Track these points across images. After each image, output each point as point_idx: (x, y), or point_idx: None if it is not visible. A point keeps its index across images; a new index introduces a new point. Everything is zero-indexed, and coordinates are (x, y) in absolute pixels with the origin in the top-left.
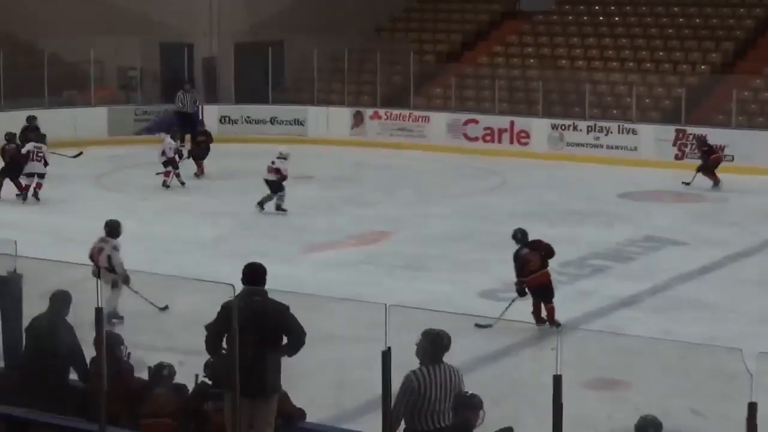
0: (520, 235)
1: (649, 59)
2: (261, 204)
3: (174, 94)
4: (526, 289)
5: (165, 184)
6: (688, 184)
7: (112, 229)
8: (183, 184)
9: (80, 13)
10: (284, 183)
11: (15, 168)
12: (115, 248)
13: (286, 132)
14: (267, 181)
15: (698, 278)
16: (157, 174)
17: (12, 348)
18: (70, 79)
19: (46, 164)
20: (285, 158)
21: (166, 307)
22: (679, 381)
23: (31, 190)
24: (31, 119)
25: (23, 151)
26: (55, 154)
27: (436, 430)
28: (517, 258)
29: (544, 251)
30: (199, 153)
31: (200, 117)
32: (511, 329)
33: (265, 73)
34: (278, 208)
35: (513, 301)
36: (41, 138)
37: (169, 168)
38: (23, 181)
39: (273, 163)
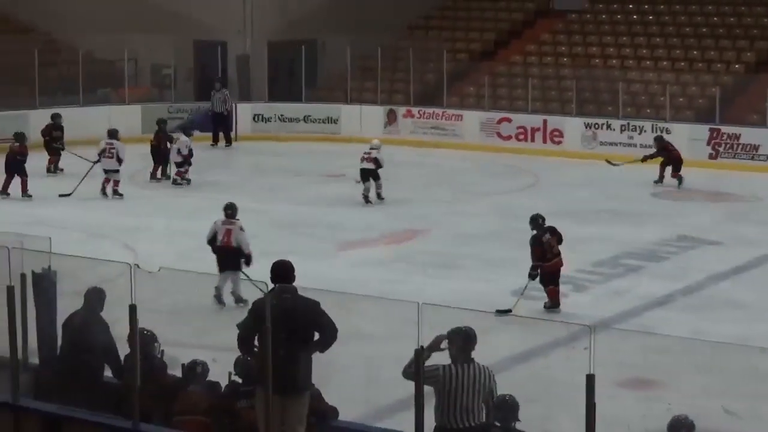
0: (541, 221)
1: (683, 58)
2: (366, 198)
3: (208, 92)
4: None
5: (175, 182)
6: (659, 182)
7: (235, 210)
8: (188, 182)
9: (115, 12)
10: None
11: (18, 166)
12: (241, 228)
13: (320, 130)
14: (365, 171)
15: (732, 278)
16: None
17: (47, 344)
18: (105, 78)
19: (119, 161)
20: (378, 148)
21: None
22: (712, 380)
23: (109, 189)
24: (55, 117)
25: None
26: (75, 155)
27: (466, 428)
28: (539, 242)
29: (559, 237)
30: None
31: (233, 117)
32: (543, 329)
33: (298, 71)
34: (379, 197)
35: (527, 285)
36: (114, 134)
37: (184, 168)
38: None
39: (369, 153)
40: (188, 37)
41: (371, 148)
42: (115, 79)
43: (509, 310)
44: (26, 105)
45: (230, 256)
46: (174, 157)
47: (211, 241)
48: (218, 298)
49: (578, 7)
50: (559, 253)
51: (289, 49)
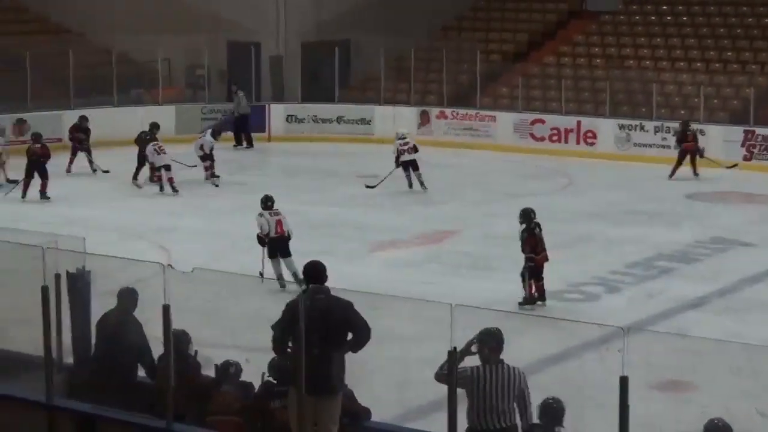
0: (533, 215)
1: (717, 59)
2: (411, 184)
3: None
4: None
5: (209, 180)
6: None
7: (274, 200)
8: (216, 184)
9: (149, 13)
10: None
11: (38, 167)
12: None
13: (353, 131)
14: (408, 162)
15: (766, 280)
16: (189, 166)
17: (81, 344)
18: (139, 78)
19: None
20: (406, 137)
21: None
22: (747, 383)
23: (167, 186)
24: (82, 119)
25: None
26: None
27: (498, 430)
28: (533, 235)
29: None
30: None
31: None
32: (576, 330)
33: (331, 72)
34: (423, 185)
35: (528, 277)
36: (154, 134)
37: (207, 162)
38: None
39: (408, 142)
40: (222, 38)
41: (404, 138)
42: (149, 80)
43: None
44: (61, 105)
45: (284, 243)
46: (197, 151)
47: (263, 233)
48: (281, 282)
49: (612, 8)
50: (545, 248)
51: (323, 50)
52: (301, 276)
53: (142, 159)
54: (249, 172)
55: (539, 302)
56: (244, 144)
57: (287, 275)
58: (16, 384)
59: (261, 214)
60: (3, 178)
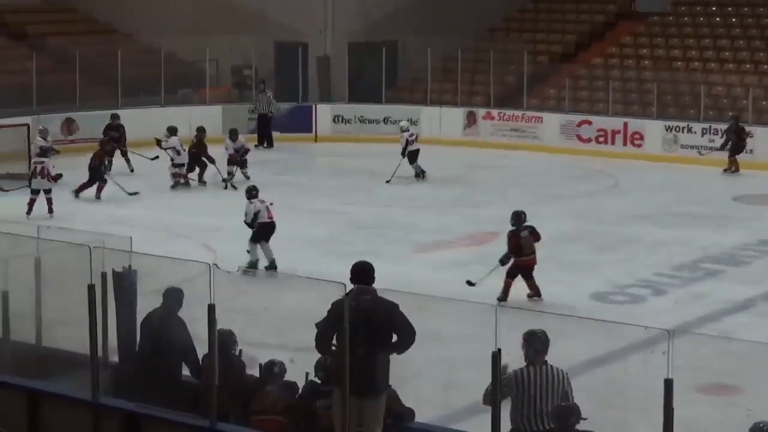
0: (524, 216)
1: (765, 61)
2: (423, 174)
3: (287, 91)
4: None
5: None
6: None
7: (258, 189)
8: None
9: (197, 13)
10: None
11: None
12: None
13: (400, 132)
14: (415, 152)
15: None
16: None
17: (127, 343)
18: (186, 78)
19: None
20: (408, 129)
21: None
22: None
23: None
24: (114, 117)
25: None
26: (135, 153)
27: (541, 431)
28: (517, 237)
29: (537, 238)
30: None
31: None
32: (621, 332)
33: (378, 72)
34: (424, 172)
35: (495, 268)
36: (201, 138)
37: (232, 167)
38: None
39: (413, 134)
40: (269, 38)
41: (406, 131)
42: (197, 80)
43: (474, 284)
44: (109, 105)
45: (273, 228)
46: (229, 150)
47: (253, 219)
48: (253, 270)
49: (660, 9)
50: (534, 251)
51: (370, 51)
52: (276, 265)
53: (203, 161)
54: (295, 172)
55: (535, 297)
56: (265, 144)
57: (264, 262)
58: (63, 382)
59: (251, 202)
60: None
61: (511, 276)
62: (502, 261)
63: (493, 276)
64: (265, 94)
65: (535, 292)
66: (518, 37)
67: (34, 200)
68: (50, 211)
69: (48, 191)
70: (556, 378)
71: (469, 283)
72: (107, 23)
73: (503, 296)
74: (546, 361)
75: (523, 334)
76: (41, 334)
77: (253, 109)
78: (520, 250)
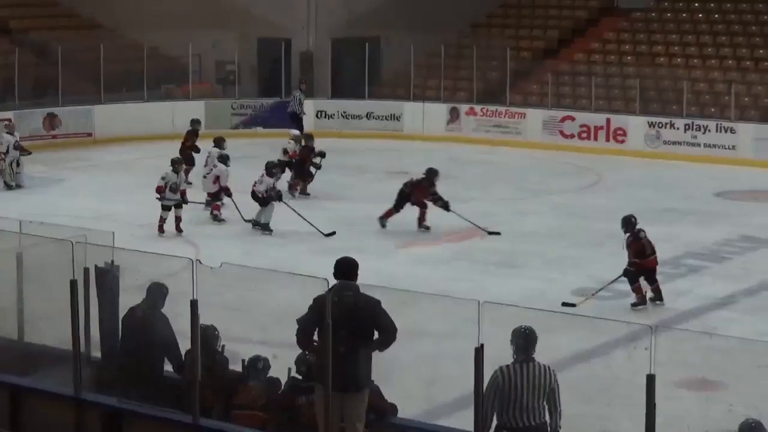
0: (634, 220)
1: (748, 57)
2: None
3: (270, 87)
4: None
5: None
6: None
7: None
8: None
9: (180, 8)
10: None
11: None
12: None
13: (382, 127)
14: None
15: None
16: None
17: (109, 339)
18: (169, 73)
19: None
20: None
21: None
22: None
23: None
24: (193, 123)
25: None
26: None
27: (527, 427)
28: (639, 240)
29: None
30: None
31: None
32: (604, 328)
33: (361, 68)
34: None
35: (618, 278)
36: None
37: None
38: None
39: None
40: (252, 33)
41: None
42: (180, 75)
43: (573, 305)
44: (92, 100)
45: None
46: (283, 156)
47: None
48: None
49: (643, 5)
50: (655, 251)
51: (353, 46)
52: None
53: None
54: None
55: (658, 302)
56: None
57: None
58: (45, 377)
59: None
60: None
61: (635, 279)
62: (627, 271)
63: (529, 279)
64: (295, 93)
65: (657, 296)
66: (501, 33)
67: None
68: None
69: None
70: (542, 374)
71: (568, 305)
72: (90, 18)
73: (642, 300)
74: (534, 358)
75: (512, 331)
76: (23, 330)
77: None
78: (643, 252)
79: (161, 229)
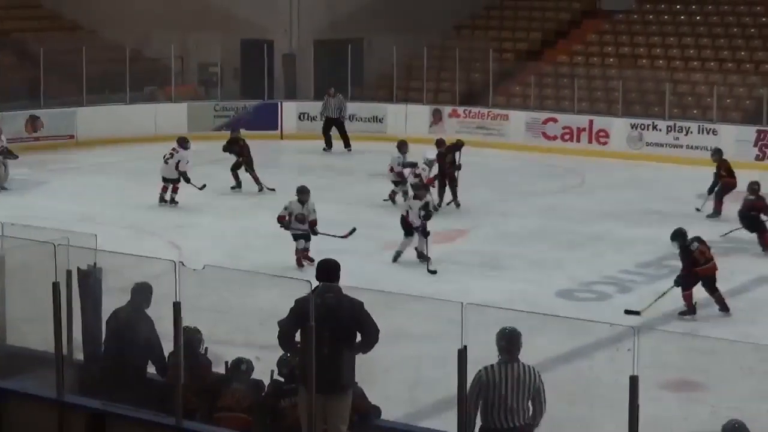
0: (684, 232)
1: (730, 59)
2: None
3: (253, 89)
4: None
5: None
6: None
7: None
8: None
9: (162, 10)
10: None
11: None
12: None
13: (365, 129)
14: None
15: None
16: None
17: (92, 341)
18: (152, 75)
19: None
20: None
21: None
22: (758, 384)
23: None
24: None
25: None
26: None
27: (511, 428)
28: (689, 252)
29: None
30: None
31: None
32: (587, 329)
33: (344, 70)
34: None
35: (670, 289)
36: (182, 142)
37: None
38: None
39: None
40: (235, 35)
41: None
42: (162, 77)
43: (638, 312)
44: (74, 102)
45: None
46: (389, 177)
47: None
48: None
49: (625, 7)
50: (712, 258)
51: (336, 48)
52: None
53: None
54: (261, 169)
55: (722, 312)
56: (325, 147)
57: None
58: (27, 380)
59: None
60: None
61: (688, 287)
62: (678, 281)
63: (512, 281)
64: (336, 98)
65: (722, 307)
66: (484, 34)
67: None
68: None
69: None
70: (526, 375)
71: (632, 312)
72: (72, 20)
73: (691, 309)
74: (519, 359)
75: (497, 333)
76: (5, 333)
77: (322, 113)
78: (697, 263)
79: (299, 263)
